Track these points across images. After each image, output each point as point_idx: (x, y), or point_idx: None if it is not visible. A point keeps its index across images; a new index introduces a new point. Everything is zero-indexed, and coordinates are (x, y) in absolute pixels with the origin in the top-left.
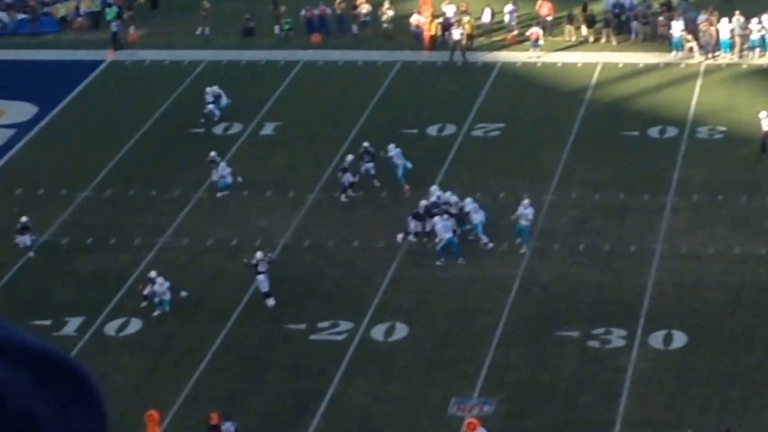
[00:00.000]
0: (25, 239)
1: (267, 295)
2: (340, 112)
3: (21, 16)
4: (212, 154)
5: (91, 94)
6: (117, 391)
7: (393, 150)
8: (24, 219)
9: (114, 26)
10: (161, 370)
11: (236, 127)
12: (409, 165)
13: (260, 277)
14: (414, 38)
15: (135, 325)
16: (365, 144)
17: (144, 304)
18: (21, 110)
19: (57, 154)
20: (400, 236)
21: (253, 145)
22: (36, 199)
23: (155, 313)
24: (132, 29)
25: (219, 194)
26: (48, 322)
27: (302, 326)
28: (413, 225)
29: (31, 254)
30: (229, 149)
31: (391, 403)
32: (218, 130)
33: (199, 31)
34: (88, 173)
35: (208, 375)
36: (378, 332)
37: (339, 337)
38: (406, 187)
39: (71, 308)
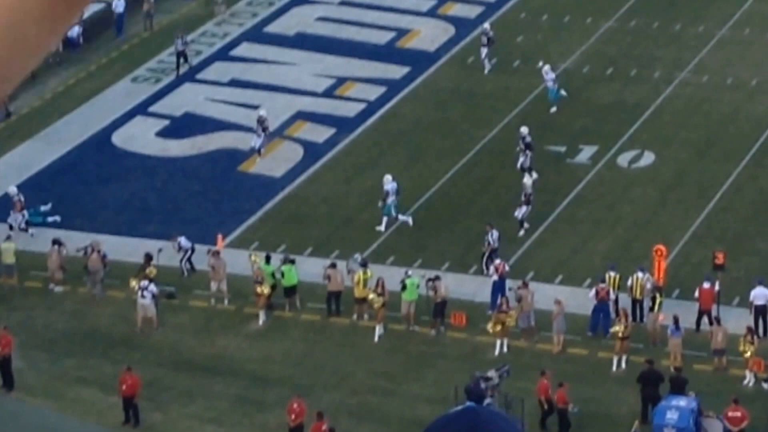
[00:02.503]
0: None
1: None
2: None
3: None
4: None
5: None
6: (625, 222)
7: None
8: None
9: None
10: (670, 204)
11: None
12: None
13: None
14: None
15: (648, 158)
16: None
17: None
18: None
19: None
20: None
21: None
22: (560, 26)
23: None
24: None
25: None
26: (562, 149)
27: None
28: None
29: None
30: None
31: None
32: None
33: None
34: (614, 2)
35: (717, 213)
36: None
37: None
38: None
39: (586, 136)
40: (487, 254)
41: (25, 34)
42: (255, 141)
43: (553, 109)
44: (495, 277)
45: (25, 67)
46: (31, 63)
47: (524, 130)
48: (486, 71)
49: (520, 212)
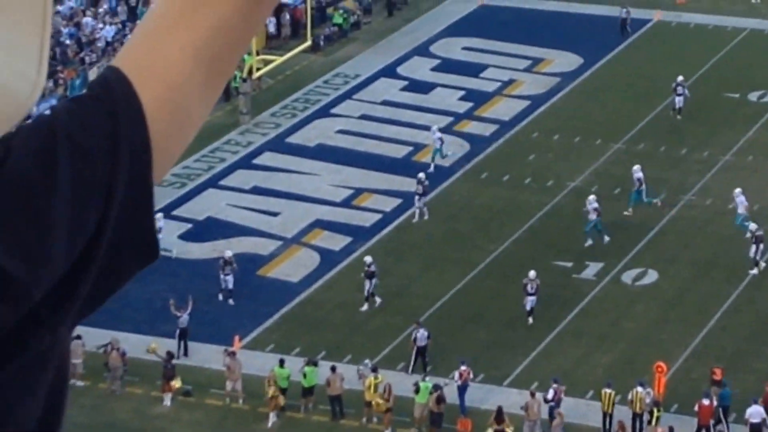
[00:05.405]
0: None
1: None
2: None
3: None
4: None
5: (635, 50)
6: (628, 337)
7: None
8: None
9: None
10: (672, 322)
11: None
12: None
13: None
14: None
15: (651, 276)
16: None
17: None
18: (567, 60)
19: (595, 105)
20: None
21: None
22: (571, 146)
23: None
24: None
25: None
26: (569, 264)
27: None
28: None
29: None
30: (761, 116)
31: None
32: (753, 96)
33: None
34: (623, 126)
35: (716, 332)
36: None
37: None
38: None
39: (592, 253)
40: (414, 353)
41: (190, 111)
42: (225, 281)
43: None
44: (458, 383)
45: (187, 142)
46: (191, 138)
47: (368, 259)
48: (421, 218)
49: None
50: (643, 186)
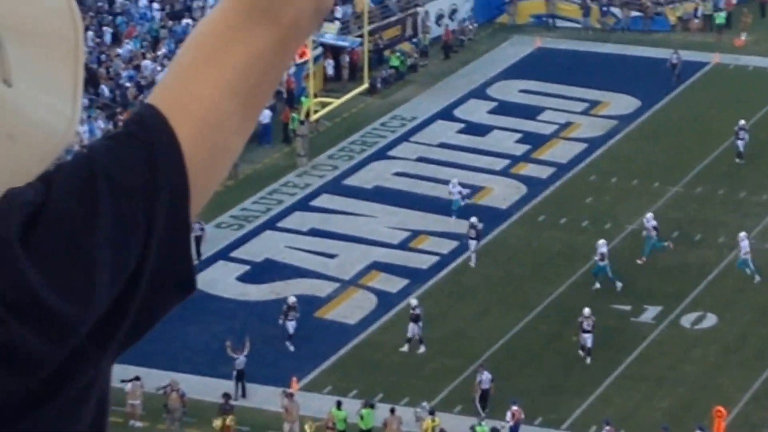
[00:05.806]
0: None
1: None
2: None
3: (635, 13)
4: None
5: (692, 93)
6: (686, 382)
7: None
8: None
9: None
10: (731, 366)
11: None
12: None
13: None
14: None
15: (710, 320)
16: None
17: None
18: (624, 103)
19: (653, 148)
20: None
21: None
22: (629, 189)
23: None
24: (743, 35)
25: None
26: (627, 308)
27: None
28: None
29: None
30: None
31: None
32: None
33: None
34: (681, 169)
35: None
36: None
37: None
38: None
39: (651, 297)
40: (478, 396)
41: (226, 146)
42: (286, 326)
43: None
44: (510, 423)
45: (223, 177)
46: (227, 172)
47: (413, 301)
48: (473, 263)
49: None
50: (656, 234)
